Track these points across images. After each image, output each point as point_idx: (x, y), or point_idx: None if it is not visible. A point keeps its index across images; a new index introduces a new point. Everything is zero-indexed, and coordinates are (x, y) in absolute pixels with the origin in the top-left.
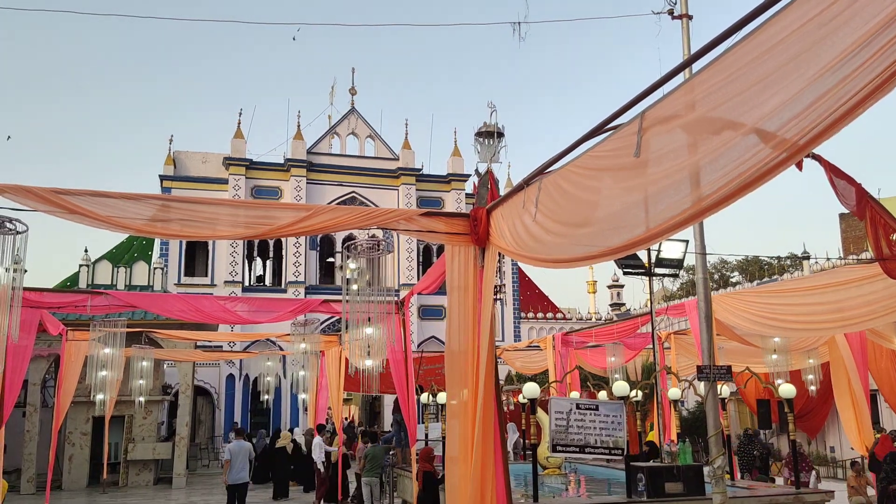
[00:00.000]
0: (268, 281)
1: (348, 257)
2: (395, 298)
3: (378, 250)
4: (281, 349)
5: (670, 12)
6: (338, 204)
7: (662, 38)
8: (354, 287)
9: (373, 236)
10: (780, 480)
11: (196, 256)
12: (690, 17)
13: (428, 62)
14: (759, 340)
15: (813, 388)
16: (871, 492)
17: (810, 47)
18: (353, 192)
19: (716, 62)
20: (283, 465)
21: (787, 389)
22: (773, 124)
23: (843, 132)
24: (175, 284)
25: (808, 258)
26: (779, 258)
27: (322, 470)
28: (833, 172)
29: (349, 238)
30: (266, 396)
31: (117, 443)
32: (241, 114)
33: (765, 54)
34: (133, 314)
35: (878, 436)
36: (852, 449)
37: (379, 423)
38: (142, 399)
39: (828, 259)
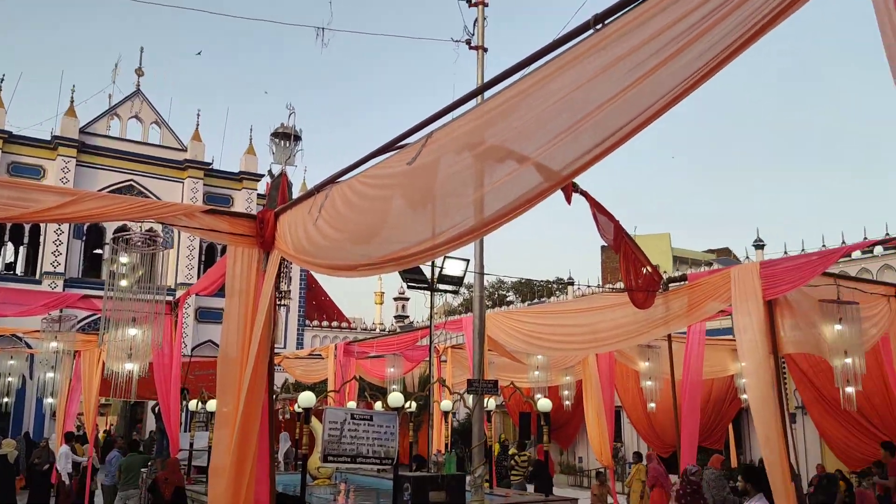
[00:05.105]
0: (19, 270)
1: (115, 250)
2: (170, 298)
3: (154, 245)
4: (29, 347)
5: (468, 42)
6: (112, 191)
7: (460, 66)
8: (123, 283)
9: (150, 230)
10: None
11: None
12: (486, 50)
13: (228, 55)
14: (525, 357)
15: (568, 402)
16: (611, 500)
17: (576, 91)
18: (132, 180)
19: (498, 95)
20: (6, 476)
21: (544, 404)
22: (544, 156)
23: (607, 168)
24: None
25: (572, 284)
26: (548, 282)
27: (68, 482)
28: (597, 208)
29: (122, 229)
30: (6, 399)
31: None
32: (2, 79)
33: (537, 94)
34: None
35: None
36: (598, 460)
37: (140, 433)
38: None
39: (588, 286)
